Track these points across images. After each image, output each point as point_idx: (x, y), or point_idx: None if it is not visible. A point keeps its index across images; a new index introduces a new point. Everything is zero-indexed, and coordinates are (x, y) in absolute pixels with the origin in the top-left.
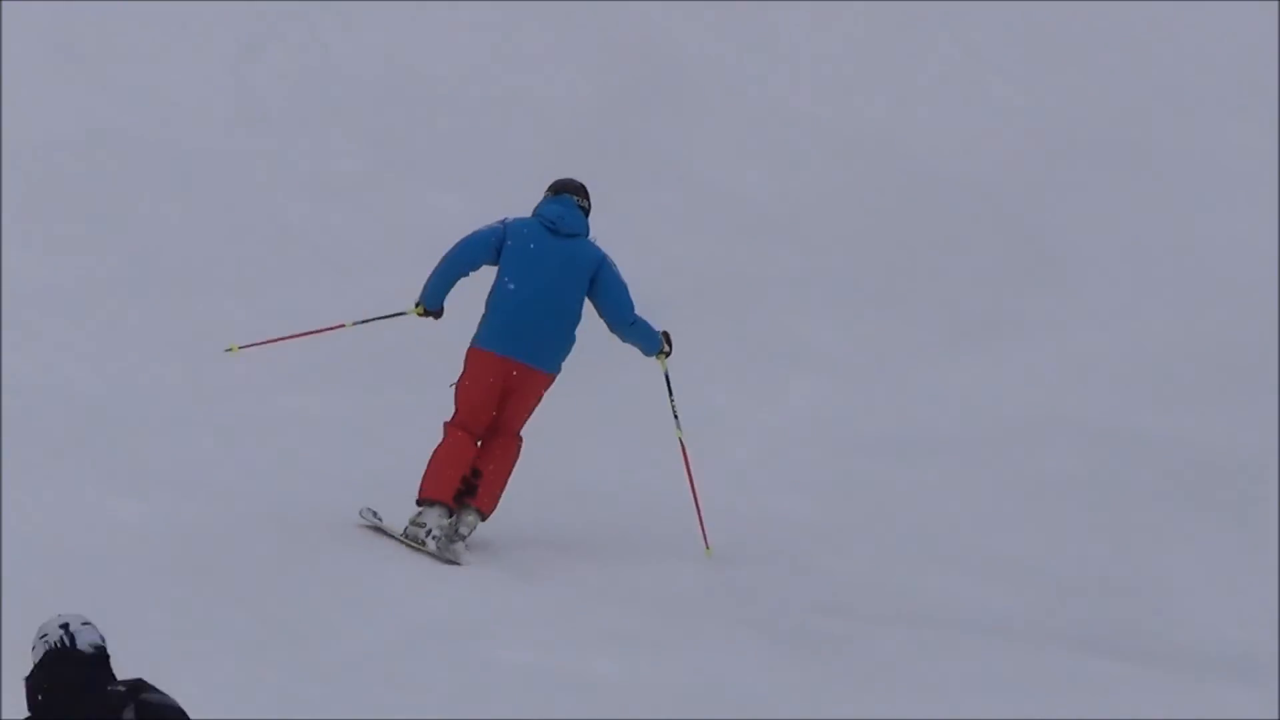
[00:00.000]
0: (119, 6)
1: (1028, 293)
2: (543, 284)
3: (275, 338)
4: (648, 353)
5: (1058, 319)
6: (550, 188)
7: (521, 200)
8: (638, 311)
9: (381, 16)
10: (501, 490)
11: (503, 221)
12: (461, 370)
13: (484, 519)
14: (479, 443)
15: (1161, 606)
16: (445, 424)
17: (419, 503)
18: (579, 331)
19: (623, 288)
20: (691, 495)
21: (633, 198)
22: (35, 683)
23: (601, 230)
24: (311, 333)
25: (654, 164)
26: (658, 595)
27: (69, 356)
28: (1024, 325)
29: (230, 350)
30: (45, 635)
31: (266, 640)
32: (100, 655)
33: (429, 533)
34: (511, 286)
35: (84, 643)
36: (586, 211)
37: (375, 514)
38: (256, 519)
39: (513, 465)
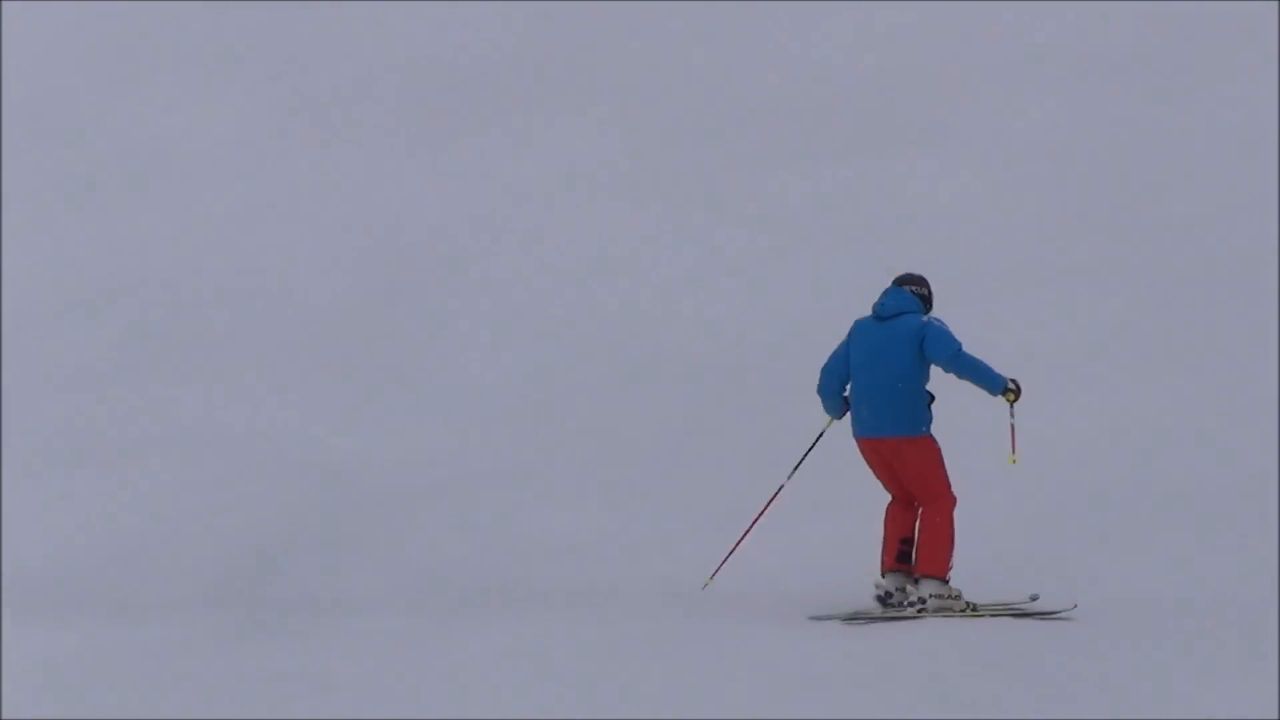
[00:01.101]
0: None
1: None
2: (873, 368)
3: (732, 548)
4: (992, 391)
5: None
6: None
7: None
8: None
9: (130, 211)
10: (940, 551)
11: (850, 330)
12: None
13: (936, 579)
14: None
15: None
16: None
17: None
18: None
19: (944, 336)
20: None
21: (381, 384)
22: None
23: (349, 412)
24: (758, 518)
25: (399, 352)
26: None
27: None
28: None
29: (706, 585)
30: None
31: None
32: None
33: (878, 597)
34: (855, 379)
35: None
36: (922, 296)
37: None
38: None
39: (944, 526)
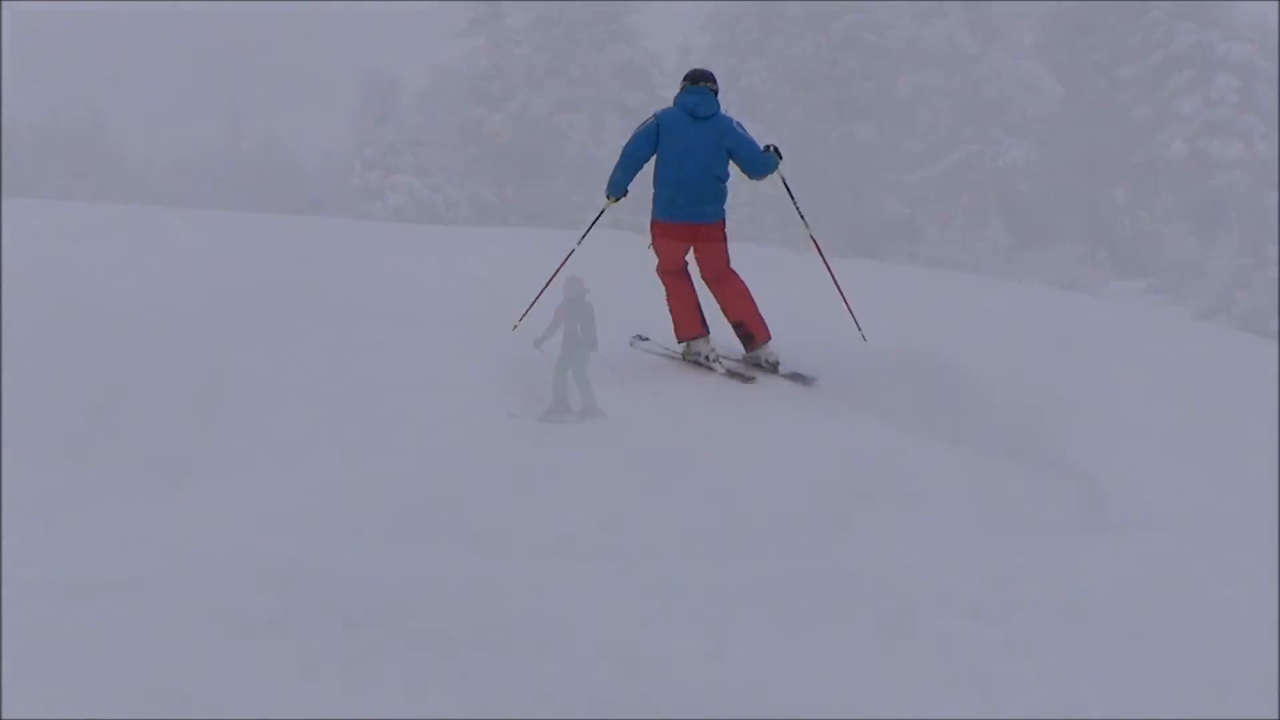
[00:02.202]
0: None
1: (213, 433)
2: (694, 163)
3: (534, 299)
4: (769, 174)
5: (243, 460)
6: (686, 78)
7: None
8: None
9: None
10: (759, 316)
11: (655, 115)
12: (651, 237)
13: (768, 341)
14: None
15: None
16: (658, 272)
17: (681, 341)
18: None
19: (753, 145)
20: (837, 290)
21: None
22: None
23: None
24: (554, 276)
25: None
26: None
27: None
28: (210, 466)
29: (515, 327)
30: None
31: None
32: None
33: (706, 357)
34: (672, 167)
35: None
36: (716, 93)
37: (642, 338)
38: None
39: (750, 294)
